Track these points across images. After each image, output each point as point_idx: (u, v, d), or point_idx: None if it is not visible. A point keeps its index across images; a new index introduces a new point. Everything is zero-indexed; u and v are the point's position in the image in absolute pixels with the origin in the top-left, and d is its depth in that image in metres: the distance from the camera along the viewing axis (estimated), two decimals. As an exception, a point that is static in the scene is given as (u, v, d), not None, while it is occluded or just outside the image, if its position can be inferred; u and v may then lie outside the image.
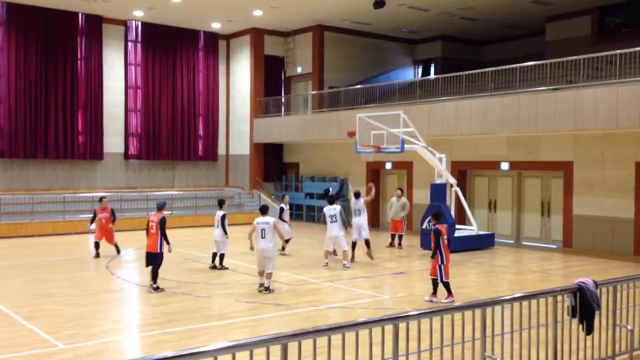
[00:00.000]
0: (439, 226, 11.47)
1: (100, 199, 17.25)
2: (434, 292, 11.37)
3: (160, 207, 12.63)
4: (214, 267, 14.74)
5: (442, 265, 11.24)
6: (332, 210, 15.03)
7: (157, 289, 11.96)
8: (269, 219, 12.24)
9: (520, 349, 6.61)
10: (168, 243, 12.14)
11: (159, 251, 12.01)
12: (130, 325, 10.18)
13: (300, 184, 27.85)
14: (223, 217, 14.66)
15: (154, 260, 12.03)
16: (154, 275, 12.02)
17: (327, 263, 15.18)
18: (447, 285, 11.33)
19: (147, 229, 12.19)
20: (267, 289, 12.03)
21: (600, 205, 18.00)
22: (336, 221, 14.92)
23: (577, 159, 18.49)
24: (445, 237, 11.33)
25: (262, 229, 12.06)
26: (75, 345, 8.52)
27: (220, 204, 15.18)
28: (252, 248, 12.42)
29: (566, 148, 18.71)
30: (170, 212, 24.56)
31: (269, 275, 12.10)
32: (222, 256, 14.74)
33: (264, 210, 12.49)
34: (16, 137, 23.82)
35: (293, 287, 12.84)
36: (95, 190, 25.27)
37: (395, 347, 5.45)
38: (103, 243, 16.48)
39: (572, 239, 18.64)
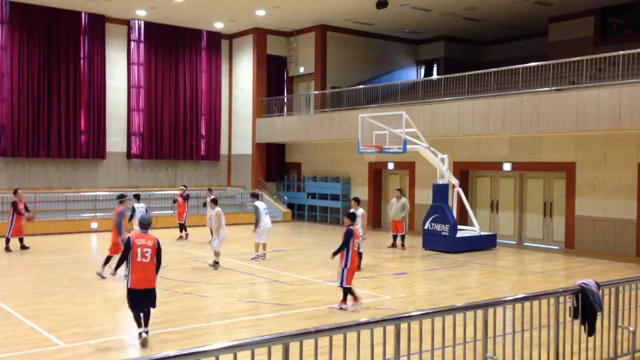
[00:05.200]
0: (352, 227, 10.72)
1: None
2: (344, 299, 10.63)
3: (149, 224, 9.02)
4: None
5: (345, 269, 10.46)
6: (264, 204, 16.86)
7: (147, 332, 8.69)
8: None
9: (522, 350, 6.60)
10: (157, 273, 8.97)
11: (155, 286, 8.76)
12: (131, 325, 10.16)
13: (302, 184, 27.85)
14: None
15: (151, 298, 8.66)
16: (148, 317, 8.77)
17: (260, 255, 16.20)
18: (346, 292, 10.56)
19: (132, 255, 8.56)
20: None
21: (602, 206, 17.98)
22: (268, 214, 16.64)
23: (580, 160, 18.46)
24: (357, 240, 10.65)
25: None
26: (76, 344, 8.52)
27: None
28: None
29: (569, 149, 18.68)
30: (172, 211, 24.57)
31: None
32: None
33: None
34: (19, 136, 23.85)
35: (295, 286, 12.84)
36: (98, 189, 25.31)
37: (396, 347, 5.44)
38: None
39: (574, 240, 18.61)
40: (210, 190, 19.82)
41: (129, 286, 8.57)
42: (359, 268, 13.22)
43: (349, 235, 10.51)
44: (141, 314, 8.59)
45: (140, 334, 8.54)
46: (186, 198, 20.56)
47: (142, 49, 26.82)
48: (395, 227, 18.68)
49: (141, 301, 8.58)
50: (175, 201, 20.90)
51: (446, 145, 20.42)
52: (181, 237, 20.42)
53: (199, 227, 21.58)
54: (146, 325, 8.62)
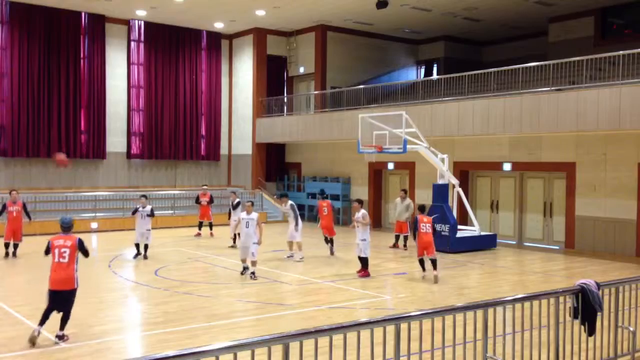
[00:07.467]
0: (417, 216, 12.55)
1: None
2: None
3: (70, 227, 9.07)
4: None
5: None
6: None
7: (62, 337, 8.63)
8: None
9: (522, 350, 6.61)
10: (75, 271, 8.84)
11: (75, 287, 8.86)
12: (131, 325, 10.18)
13: (302, 184, 27.85)
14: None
15: (67, 300, 8.74)
16: (65, 321, 8.72)
17: (300, 256, 16.37)
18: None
19: (52, 256, 8.82)
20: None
21: (602, 206, 17.98)
22: None
23: (580, 160, 18.46)
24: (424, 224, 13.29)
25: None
26: (77, 344, 8.52)
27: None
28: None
29: (568, 149, 18.69)
30: (172, 211, 24.60)
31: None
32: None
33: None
34: (19, 136, 23.85)
35: (295, 287, 12.85)
36: (98, 189, 25.31)
37: (396, 347, 5.44)
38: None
39: (574, 240, 18.61)
40: (234, 192, 19.70)
41: (48, 287, 8.73)
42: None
43: (414, 222, 13.56)
44: (51, 314, 8.60)
45: (37, 330, 8.45)
46: (211, 201, 21.31)
47: (142, 49, 26.82)
48: (399, 227, 18.67)
49: (57, 302, 8.66)
50: (198, 201, 21.44)
51: (446, 145, 20.41)
52: (199, 234, 21.04)
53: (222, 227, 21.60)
54: (62, 328, 8.62)
